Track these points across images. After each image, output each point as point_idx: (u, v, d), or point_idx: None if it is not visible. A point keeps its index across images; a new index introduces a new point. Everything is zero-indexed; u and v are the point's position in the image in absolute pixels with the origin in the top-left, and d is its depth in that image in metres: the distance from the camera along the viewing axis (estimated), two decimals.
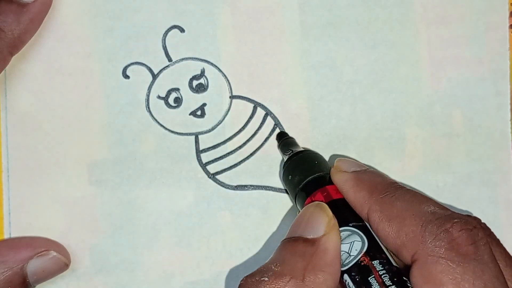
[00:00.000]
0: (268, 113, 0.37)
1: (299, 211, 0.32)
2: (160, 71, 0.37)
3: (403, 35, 0.38)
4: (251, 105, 0.37)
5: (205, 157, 0.37)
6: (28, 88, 0.36)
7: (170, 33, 0.37)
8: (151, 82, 0.37)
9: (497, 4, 0.39)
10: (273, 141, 0.37)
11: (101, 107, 0.36)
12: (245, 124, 0.37)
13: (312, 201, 0.32)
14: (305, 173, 0.33)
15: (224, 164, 0.37)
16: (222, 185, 0.37)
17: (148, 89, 0.37)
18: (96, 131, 0.36)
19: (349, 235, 0.30)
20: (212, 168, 0.37)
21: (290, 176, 0.34)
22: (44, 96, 0.36)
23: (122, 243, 0.36)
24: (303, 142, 0.37)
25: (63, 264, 0.34)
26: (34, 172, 0.36)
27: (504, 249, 0.30)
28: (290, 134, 0.37)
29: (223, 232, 0.37)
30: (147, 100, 0.37)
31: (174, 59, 0.37)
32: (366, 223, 0.31)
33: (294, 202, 0.35)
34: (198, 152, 0.37)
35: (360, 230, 0.30)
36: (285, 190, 0.36)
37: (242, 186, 0.37)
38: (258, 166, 0.37)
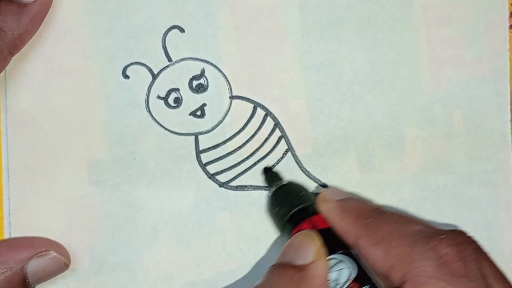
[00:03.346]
0: (268, 113, 0.37)
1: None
2: (160, 71, 0.37)
3: (403, 35, 0.38)
4: (251, 106, 0.37)
5: (205, 158, 0.37)
6: (28, 88, 0.36)
7: (170, 33, 0.37)
8: (151, 82, 0.37)
9: (497, 4, 0.39)
10: (272, 142, 0.37)
11: (101, 107, 0.36)
12: (245, 125, 0.37)
13: (300, 231, 0.32)
14: (291, 205, 0.34)
15: (224, 165, 0.37)
16: (222, 186, 0.37)
17: (148, 89, 0.37)
18: (96, 131, 0.36)
19: (336, 263, 0.30)
20: (212, 169, 0.37)
21: (277, 208, 0.35)
22: (44, 96, 0.36)
23: (122, 243, 0.36)
24: (303, 142, 0.37)
25: (63, 264, 0.34)
26: (34, 172, 0.36)
27: (492, 262, 0.29)
28: (290, 134, 0.37)
29: (223, 232, 0.37)
30: (147, 100, 0.37)
31: (174, 59, 0.37)
32: (354, 251, 0.31)
33: (281, 233, 0.35)
34: (198, 152, 0.37)
35: (348, 258, 0.30)
36: (273, 222, 0.36)
37: (242, 186, 0.37)
38: (258, 167, 0.37)
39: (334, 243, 0.31)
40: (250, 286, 0.30)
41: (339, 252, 0.31)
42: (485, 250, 0.30)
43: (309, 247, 0.30)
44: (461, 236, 0.29)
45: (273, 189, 0.36)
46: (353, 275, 0.30)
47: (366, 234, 0.30)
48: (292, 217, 0.34)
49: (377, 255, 0.29)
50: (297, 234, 0.32)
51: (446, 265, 0.27)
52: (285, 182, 0.36)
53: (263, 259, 0.37)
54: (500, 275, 0.29)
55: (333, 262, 0.30)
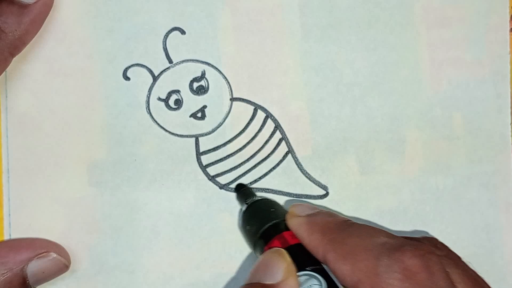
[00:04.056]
0: (268, 115, 0.37)
1: None
2: (161, 73, 0.37)
3: (403, 37, 0.38)
4: (251, 107, 0.37)
5: (205, 159, 0.37)
6: (28, 89, 0.36)
7: (170, 35, 0.37)
8: (152, 83, 0.37)
9: (497, 6, 0.39)
10: (273, 144, 0.37)
11: (101, 108, 0.36)
12: (245, 127, 0.37)
13: (270, 248, 0.32)
14: (262, 222, 0.34)
15: (224, 166, 0.37)
16: (222, 188, 0.37)
17: (148, 91, 0.37)
18: (96, 132, 0.36)
19: (307, 279, 0.30)
20: (212, 170, 0.37)
21: (248, 226, 0.35)
22: (44, 97, 0.36)
23: (121, 244, 0.36)
24: (304, 144, 0.37)
25: (63, 266, 0.34)
26: (34, 173, 0.36)
27: (465, 268, 0.29)
28: (290, 136, 0.37)
29: (223, 234, 0.37)
30: (148, 102, 0.36)
31: (174, 61, 0.37)
32: (324, 265, 0.31)
33: (254, 251, 0.35)
34: (198, 154, 0.37)
35: (318, 273, 0.30)
36: (245, 240, 0.36)
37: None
38: (258, 169, 0.37)
39: (305, 258, 0.31)
40: None
41: (310, 267, 0.30)
42: (455, 256, 0.30)
43: (278, 265, 0.30)
44: (427, 245, 0.29)
45: (244, 207, 0.36)
46: None
47: (333, 249, 0.30)
48: (263, 235, 0.33)
49: (344, 270, 0.29)
50: (266, 252, 0.31)
51: (411, 277, 0.27)
52: (256, 199, 0.36)
53: None
54: (471, 281, 0.28)
55: (303, 278, 0.30)
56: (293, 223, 0.33)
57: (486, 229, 0.38)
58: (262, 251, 0.32)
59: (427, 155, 0.38)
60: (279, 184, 0.37)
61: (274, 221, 0.33)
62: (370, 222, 0.37)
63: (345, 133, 0.38)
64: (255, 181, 0.37)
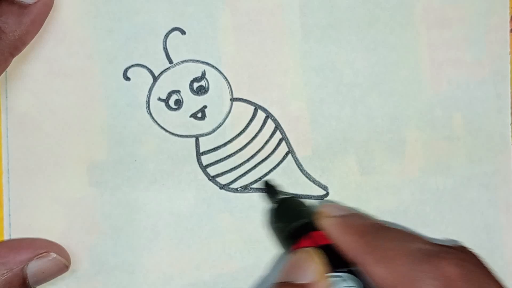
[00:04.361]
0: (268, 115, 0.37)
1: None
2: (161, 73, 0.37)
3: (403, 38, 0.38)
4: (251, 108, 0.37)
5: (206, 160, 0.37)
6: (28, 89, 0.36)
7: (171, 35, 0.37)
8: (152, 84, 0.37)
9: (497, 6, 0.39)
10: (273, 144, 0.37)
11: (101, 108, 0.36)
12: (245, 127, 0.37)
13: (299, 248, 0.32)
14: (291, 220, 0.34)
15: (224, 167, 0.37)
16: (222, 188, 0.37)
17: (148, 91, 0.37)
18: (96, 132, 0.36)
19: (338, 281, 0.30)
20: (212, 171, 0.37)
21: (277, 224, 0.35)
22: (44, 97, 0.36)
23: (121, 244, 0.36)
24: (304, 144, 0.37)
25: (63, 266, 0.34)
26: (34, 173, 0.36)
27: (494, 278, 0.29)
28: (290, 137, 0.37)
29: (223, 234, 0.37)
30: (148, 102, 0.36)
31: (175, 61, 0.37)
32: (355, 267, 0.31)
33: (282, 248, 0.35)
34: (199, 154, 0.37)
35: (350, 275, 0.30)
36: (274, 237, 0.36)
37: (242, 188, 0.37)
38: (258, 169, 0.37)
39: (335, 260, 0.31)
40: None
41: (341, 269, 0.30)
42: (487, 266, 0.29)
43: (309, 265, 0.30)
44: (464, 254, 0.29)
45: (274, 204, 0.36)
46: None
47: (369, 252, 0.30)
48: (292, 233, 0.33)
49: (380, 274, 0.29)
50: (298, 251, 0.31)
51: (451, 285, 0.27)
52: (286, 197, 0.36)
53: (262, 261, 0.37)
54: None
55: (334, 280, 0.30)
56: (326, 223, 0.32)
57: (486, 229, 0.38)
58: (291, 250, 0.32)
59: (427, 155, 0.38)
60: (279, 184, 0.37)
61: (303, 221, 0.33)
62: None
63: (345, 133, 0.38)
64: (255, 181, 0.37)
